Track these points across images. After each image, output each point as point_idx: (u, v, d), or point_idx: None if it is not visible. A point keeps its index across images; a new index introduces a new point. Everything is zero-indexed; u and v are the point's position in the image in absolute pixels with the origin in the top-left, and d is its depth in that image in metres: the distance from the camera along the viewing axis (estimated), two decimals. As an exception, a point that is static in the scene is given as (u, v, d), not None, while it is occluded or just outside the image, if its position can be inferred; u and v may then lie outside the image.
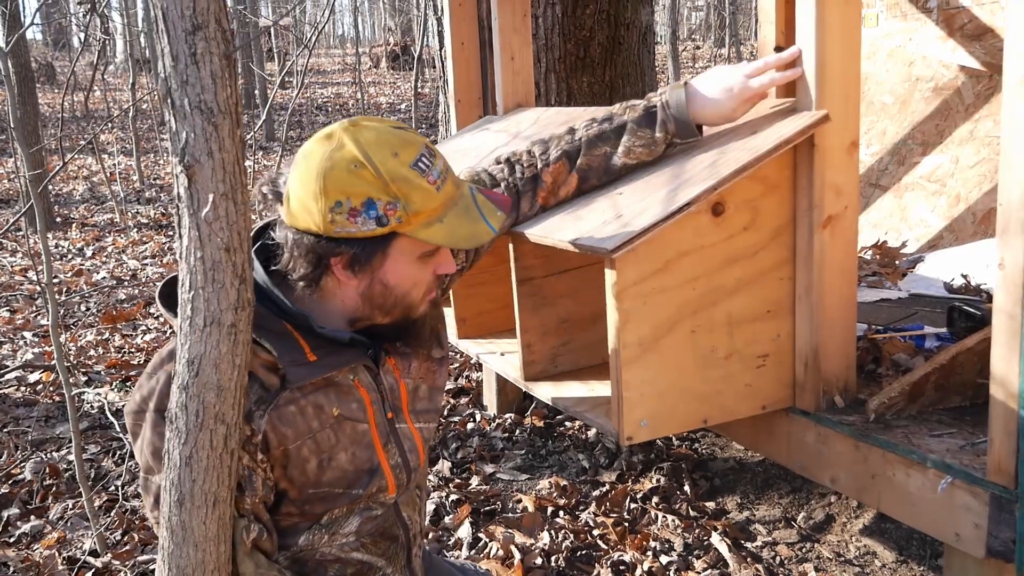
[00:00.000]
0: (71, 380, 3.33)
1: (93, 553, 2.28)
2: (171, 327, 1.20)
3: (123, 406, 1.33)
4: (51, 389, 3.51)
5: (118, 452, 2.88)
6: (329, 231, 1.16)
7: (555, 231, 1.64)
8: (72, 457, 2.66)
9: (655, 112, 1.63)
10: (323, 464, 1.24)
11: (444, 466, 2.62)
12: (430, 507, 2.37)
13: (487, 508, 2.38)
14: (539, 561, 2.09)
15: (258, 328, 1.14)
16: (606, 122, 1.67)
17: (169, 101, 0.98)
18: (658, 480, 2.43)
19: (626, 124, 1.65)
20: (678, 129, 1.63)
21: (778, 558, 2.08)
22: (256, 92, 13.65)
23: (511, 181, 1.68)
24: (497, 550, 2.13)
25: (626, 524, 2.23)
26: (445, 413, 3.02)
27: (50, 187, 8.06)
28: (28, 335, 4.26)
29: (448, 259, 1.29)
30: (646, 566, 2.03)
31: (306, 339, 1.22)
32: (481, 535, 2.23)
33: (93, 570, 2.21)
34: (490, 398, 3.01)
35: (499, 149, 2.27)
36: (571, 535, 2.19)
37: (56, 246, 6.28)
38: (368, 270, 1.20)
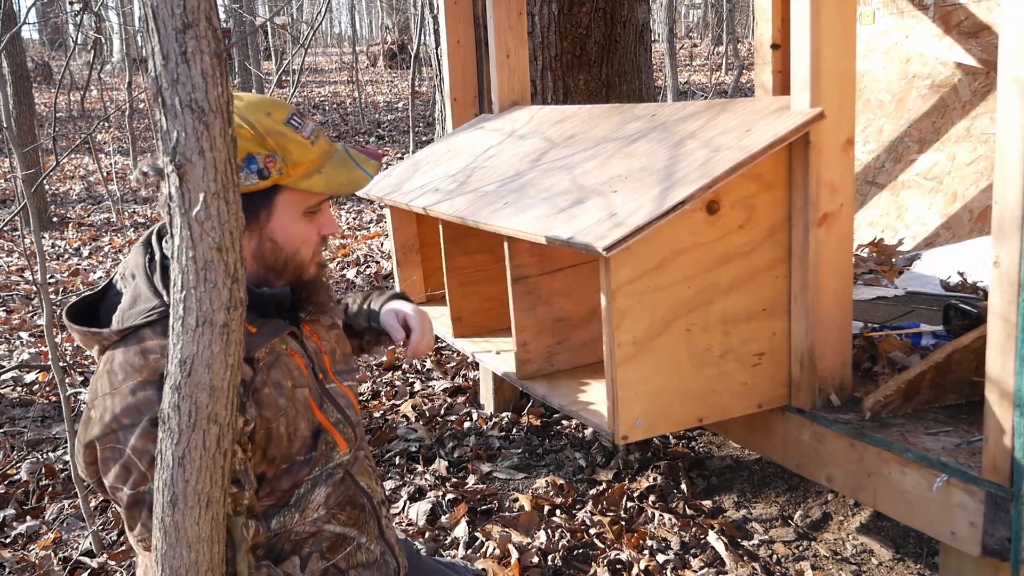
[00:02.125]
0: (67, 380, 3.33)
1: (89, 553, 2.28)
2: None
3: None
4: (47, 389, 3.50)
5: (114, 452, 2.87)
6: None
7: (549, 229, 1.63)
8: (68, 457, 2.66)
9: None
10: (291, 436, 1.28)
11: (441, 465, 2.62)
12: (427, 506, 2.37)
13: (484, 507, 2.38)
14: (536, 560, 2.09)
15: None
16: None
17: (159, 100, 0.97)
18: (655, 479, 2.42)
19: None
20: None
21: (775, 556, 2.08)
22: (253, 91, 13.66)
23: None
24: (494, 549, 2.13)
25: (623, 523, 2.23)
26: (442, 412, 3.01)
27: (47, 187, 8.04)
28: (24, 335, 4.26)
29: (331, 220, 1.35)
30: (643, 564, 2.03)
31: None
32: (478, 534, 2.22)
33: (89, 570, 2.20)
34: (486, 397, 3.00)
35: (493, 148, 2.27)
36: (568, 534, 2.19)
37: (53, 246, 6.27)
38: (256, 227, 1.25)
